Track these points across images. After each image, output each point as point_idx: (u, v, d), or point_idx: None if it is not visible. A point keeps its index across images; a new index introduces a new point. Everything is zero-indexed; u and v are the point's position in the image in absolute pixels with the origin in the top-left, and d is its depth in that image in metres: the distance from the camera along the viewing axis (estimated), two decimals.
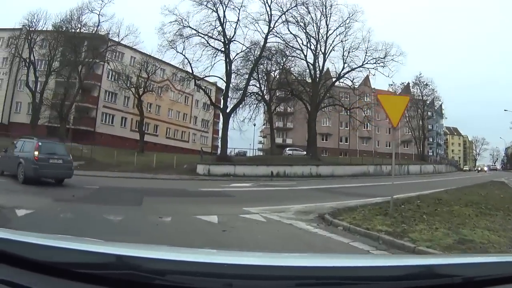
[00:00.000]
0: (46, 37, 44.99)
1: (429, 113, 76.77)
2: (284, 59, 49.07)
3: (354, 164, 48.19)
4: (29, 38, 45.12)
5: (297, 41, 47.45)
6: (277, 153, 55.26)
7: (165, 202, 15.07)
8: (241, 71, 47.33)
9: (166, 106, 66.95)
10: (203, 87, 48.76)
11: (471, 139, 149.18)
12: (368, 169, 47.81)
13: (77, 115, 56.25)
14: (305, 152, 55.78)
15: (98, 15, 43.65)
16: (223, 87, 45.78)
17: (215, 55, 42.60)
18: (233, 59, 44.14)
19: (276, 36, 45.62)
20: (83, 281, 1.69)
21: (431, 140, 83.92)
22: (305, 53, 48.63)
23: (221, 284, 1.66)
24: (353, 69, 48.80)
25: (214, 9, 41.53)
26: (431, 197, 16.30)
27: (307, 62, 49.02)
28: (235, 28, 42.95)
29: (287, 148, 64.50)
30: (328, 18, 47.16)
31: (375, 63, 47.60)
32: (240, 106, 46.65)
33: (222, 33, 42.59)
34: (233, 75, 45.08)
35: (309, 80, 50.78)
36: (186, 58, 42.37)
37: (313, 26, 47.25)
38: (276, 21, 44.47)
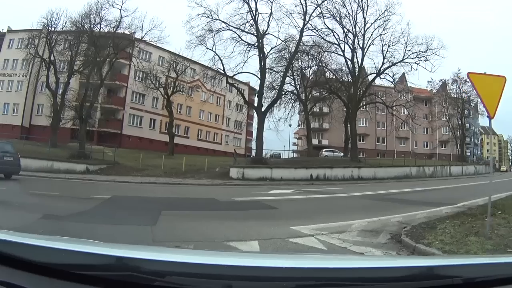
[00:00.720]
0: (67, 37, 43.02)
1: (466, 112, 72.45)
2: (321, 55, 46.63)
3: (396, 166, 45.47)
4: (49, 37, 43.28)
5: (333, 35, 45.01)
6: (313, 154, 52.47)
7: (189, 218, 11.69)
8: (275, 68, 44.95)
9: (197, 107, 64.85)
10: (236, 85, 46.64)
11: (506, 138, 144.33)
12: (410, 170, 44.96)
13: (103, 117, 55.03)
14: (342, 154, 54.14)
15: (120, 9, 41.20)
16: (256, 87, 44.05)
17: (247, 50, 40.30)
18: (267, 53, 41.78)
19: (311, 30, 43.29)
20: (82, 283, 1.71)
21: (469, 140, 79.83)
22: (343, 48, 46.17)
23: (221, 286, 1.68)
24: (393, 64, 45.91)
25: (245, 0, 39.18)
26: None
27: (345, 57, 46.53)
28: (268, 22, 40.63)
29: (324, 150, 61.30)
30: (365, 11, 44.53)
31: (416, 57, 44.56)
32: (276, 105, 44.62)
33: (254, 27, 40.17)
34: (267, 72, 42.48)
35: (346, 78, 48.67)
36: (216, 54, 40.24)
37: (350, 19, 44.67)
38: (311, 15, 41.94)
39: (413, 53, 44.40)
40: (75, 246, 2.11)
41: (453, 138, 73.70)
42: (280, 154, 55.89)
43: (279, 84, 43.91)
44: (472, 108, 72.08)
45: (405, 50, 44.46)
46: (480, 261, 2.38)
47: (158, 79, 50.96)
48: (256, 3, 39.66)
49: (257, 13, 39.86)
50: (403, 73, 48.10)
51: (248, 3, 39.36)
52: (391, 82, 48.40)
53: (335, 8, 43.05)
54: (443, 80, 67.02)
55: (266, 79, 42.16)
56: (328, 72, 49.28)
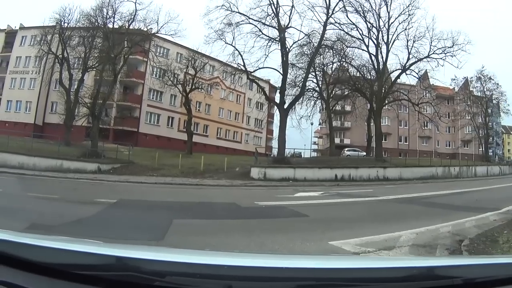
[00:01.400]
0: (80, 32, 41.97)
1: (490, 111, 70.65)
2: (345, 50, 45.69)
3: (422, 166, 43.74)
4: (62, 33, 42.49)
5: (357, 30, 43.91)
6: (335, 154, 51.35)
7: (205, 230, 9.75)
8: (297, 64, 44.09)
9: (217, 105, 63.39)
10: (256, 81, 45.27)
11: None
12: (436, 171, 43.13)
13: (118, 115, 54.25)
14: (364, 153, 53.07)
15: (135, 2, 39.86)
16: (277, 85, 43.72)
17: (268, 45, 39.13)
18: (290, 47, 40.33)
19: (334, 24, 41.91)
20: (82, 283, 1.73)
21: (491, 140, 77.89)
22: (367, 43, 45.01)
23: (220, 286, 1.69)
24: (419, 60, 44.59)
25: None
26: None
27: (369, 52, 45.23)
28: (289, 15, 39.27)
29: (346, 149, 60.05)
30: (389, 5, 43.33)
31: (442, 52, 43.32)
32: (298, 102, 43.37)
33: (275, 20, 38.86)
34: (289, 68, 41.24)
35: (369, 75, 47.65)
36: (236, 49, 39.01)
37: (373, 13, 43.58)
38: (334, 9, 40.53)
39: (438, 48, 43.33)
40: (75, 246, 2.13)
41: (476, 137, 72.68)
42: (301, 153, 55.11)
43: (301, 80, 42.72)
44: (495, 106, 70.41)
45: (430, 45, 43.42)
46: (480, 262, 2.42)
47: (176, 76, 49.79)
48: None
49: (278, 6, 38.57)
50: (425, 71, 47.05)
51: None
52: (417, 78, 47.64)
53: (358, 2, 41.94)
54: (466, 78, 66.08)
55: (287, 76, 40.95)
56: (351, 68, 48.42)
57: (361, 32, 43.96)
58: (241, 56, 39.03)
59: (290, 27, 39.71)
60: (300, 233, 9.40)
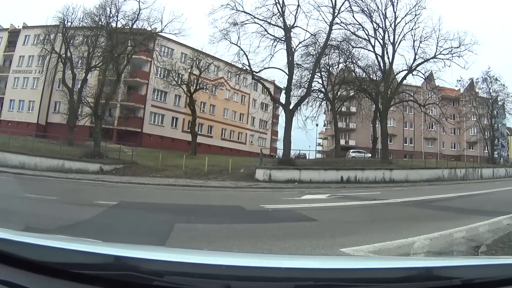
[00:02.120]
0: (84, 32, 41.94)
1: (495, 112, 70.85)
2: (351, 49, 45.72)
3: (428, 168, 43.46)
4: (65, 33, 42.50)
5: (363, 30, 43.71)
6: (340, 155, 51.11)
7: (209, 235, 9.24)
8: (302, 65, 43.95)
9: (221, 105, 63.12)
10: (261, 81, 45.13)
11: None
12: (442, 173, 43.21)
13: (122, 115, 53.88)
14: (370, 155, 53.26)
15: (138, 1, 39.61)
16: (282, 85, 43.66)
17: (274, 45, 38.92)
18: (296, 47, 40.18)
19: (340, 24, 41.74)
20: (81, 282, 1.72)
21: (497, 141, 77.79)
22: (373, 43, 44.75)
23: (219, 285, 1.68)
24: (426, 60, 44.34)
25: None
26: None
27: (375, 53, 45.08)
28: (295, 15, 39.06)
29: (351, 150, 60.38)
30: (395, 5, 43.05)
31: (448, 53, 43.06)
32: (303, 103, 43.41)
33: (281, 19, 38.68)
34: (294, 68, 40.99)
35: (375, 76, 47.75)
36: (241, 49, 38.80)
37: (379, 14, 43.33)
38: (340, 8, 40.35)
39: (445, 49, 43.10)
40: (74, 245, 2.15)
41: (482, 139, 72.77)
42: (306, 155, 55.02)
43: (307, 81, 42.57)
44: (501, 108, 70.62)
45: (437, 46, 43.21)
46: (479, 263, 2.47)
47: (180, 76, 49.58)
48: None
49: (284, 5, 38.33)
50: (431, 71, 46.65)
51: None
52: (424, 79, 47.49)
53: (364, 2, 41.76)
54: (471, 79, 65.99)
55: (293, 76, 40.73)
56: (357, 69, 48.31)
57: (367, 32, 43.81)
58: (246, 56, 38.88)
59: (296, 26, 39.47)
60: (309, 239, 8.94)
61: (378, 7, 42.55)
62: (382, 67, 44.70)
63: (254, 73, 40.13)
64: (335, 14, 39.74)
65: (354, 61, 46.72)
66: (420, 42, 43.40)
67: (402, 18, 43.17)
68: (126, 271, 1.72)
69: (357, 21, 42.41)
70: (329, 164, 39.17)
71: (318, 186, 29.32)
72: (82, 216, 10.46)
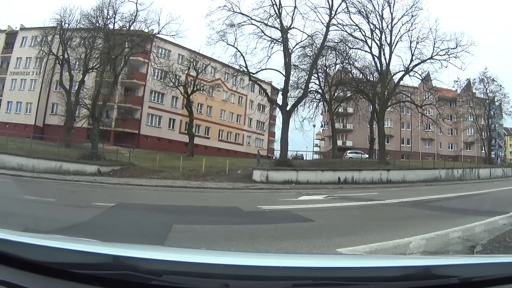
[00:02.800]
0: (81, 34, 42.04)
1: (492, 112, 70.82)
2: (348, 50, 45.48)
3: (426, 169, 43.67)
4: (62, 34, 42.68)
5: (360, 31, 43.86)
6: (338, 156, 50.95)
7: (207, 236, 9.33)
8: (299, 67, 44.09)
9: (218, 106, 63.58)
10: (258, 82, 45.13)
11: None
12: (439, 173, 43.25)
13: (119, 117, 54.01)
14: (367, 155, 53.00)
15: (136, 3, 39.56)
16: (279, 86, 43.41)
17: (271, 46, 39.04)
18: (293, 48, 40.26)
19: (336, 25, 41.82)
20: (80, 281, 1.73)
21: (493, 142, 78.01)
22: (370, 45, 44.83)
23: (217, 285, 1.70)
24: (423, 61, 44.63)
25: None
26: None
27: (372, 54, 45.16)
28: (292, 16, 39.20)
29: (348, 151, 60.02)
30: (392, 7, 43.13)
31: (445, 54, 43.26)
32: (300, 104, 43.49)
33: (278, 21, 38.77)
34: (291, 69, 41.08)
35: (372, 77, 47.96)
36: (238, 50, 38.95)
37: (376, 15, 43.33)
38: (336, 10, 40.45)
39: (442, 50, 43.31)
40: (72, 245, 2.14)
41: (479, 139, 72.69)
42: (303, 156, 54.49)
43: (304, 82, 42.66)
44: (497, 108, 70.80)
45: (434, 47, 43.47)
46: (477, 261, 2.47)
47: (177, 77, 49.42)
48: None
49: (280, 7, 38.42)
50: (428, 72, 46.97)
51: None
52: (421, 80, 47.69)
53: (361, 3, 41.87)
54: (468, 80, 65.90)
55: (289, 77, 40.80)
56: (354, 70, 48.46)
57: (364, 33, 43.91)
58: (243, 57, 38.89)
59: (293, 28, 39.44)
60: (306, 239, 8.99)
61: (375, 8, 42.64)
62: (379, 68, 44.78)
63: (251, 74, 40.17)
64: (332, 15, 39.87)
65: (351, 62, 46.78)
66: (417, 43, 43.58)
67: (399, 19, 43.27)
68: (124, 271, 1.72)
69: (354, 22, 42.58)
70: (326, 165, 39.15)
71: (315, 187, 29.30)
72: (81, 218, 10.48)
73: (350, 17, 41.98)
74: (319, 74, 48.86)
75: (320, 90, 50.72)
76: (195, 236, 9.00)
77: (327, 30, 40.18)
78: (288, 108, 39.16)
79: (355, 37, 43.81)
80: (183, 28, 63.42)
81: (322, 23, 40.38)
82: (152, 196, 19.63)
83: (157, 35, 42.67)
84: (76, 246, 2.11)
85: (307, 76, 42.23)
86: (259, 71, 40.00)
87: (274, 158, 47.96)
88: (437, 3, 71.61)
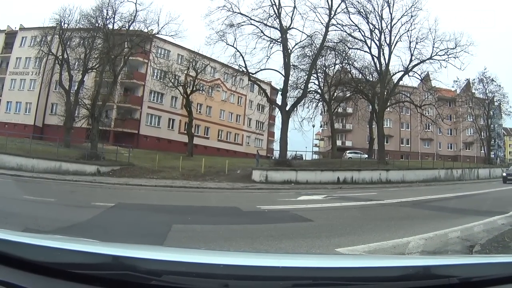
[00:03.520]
0: (80, 34, 41.96)
1: (491, 113, 71.13)
2: (347, 51, 45.69)
3: (425, 169, 43.79)
4: (62, 34, 42.63)
5: (359, 31, 43.84)
6: (337, 156, 51.25)
7: (205, 235, 9.29)
8: (299, 67, 44.22)
9: (218, 106, 63.52)
10: (258, 83, 45.11)
11: None
12: (439, 173, 43.35)
13: (119, 117, 54.09)
14: (366, 155, 53.32)
15: (135, 3, 39.58)
16: (278, 87, 43.44)
17: (270, 46, 39.13)
18: (292, 49, 40.34)
19: (336, 25, 41.95)
20: (79, 282, 1.73)
21: (493, 142, 78.03)
22: (369, 45, 44.85)
23: (217, 285, 1.70)
24: (422, 61, 44.63)
25: None
26: None
27: (371, 54, 45.17)
28: (291, 16, 39.37)
29: (347, 151, 60.40)
30: (391, 7, 43.17)
31: (444, 54, 43.23)
32: (299, 104, 43.53)
33: (277, 21, 38.83)
34: (291, 69, 41.13)
35: (371, 77, 48.01)
36: (238, 50, 39.07)
37: (375, 15, 43.37)
38: (336, 10, 40.57)
39: (441, 50, 43.29)
40: (72, 245, 2.14)
41: (478, 139, 72.90)
42: (302, 156, 54.48)
43: (303, 82, 42.71)
44: (497, 108, 70.90)
45: (433, 47, 43.44)
46: (476, 261, 2.47)
47: (176, 77, 49.49)
48: None
49: (280, 7, 38.52)
50: (427, 73, 47.07)
51: None
52: (420, 80, 47.62)
53: (360, 3, 41.93)
54: (468, 80, 66.01)
55: (289, 77, 40.82)
56: (353, 70, 48.45)
57: (363, 33, 43.90)
58: (243, 57, 39.00)
59: (292, 28, 39.54)
60: (305, 239, 8.97)
61: (374, 9, 42.63)
62: (378, 68, 44.78)
63: (250, 74, 40.25)
64: (331, 15, 39.92)
65: (350, 62, 46.80)
66: (416, 43, 43.55)
67: (398, 19, 43.27)
68: (124, 271, 1.71)
69: (353, 23, 42.57)
70: (326, 165, 39.15)
71: (315, 187, 29.15)
72: (80, 218, 10.45)
73: (349, 17, 42.04)
74: (318, 74, 48.87)
75: (319, 90, 50.79)
76: (195, 236, 8.99)
77: (327, 30, 40.28)
78: (287, 108, 39.18)
79: (354, 37, 43.87)
80: (183, 28, 63.56)
81: (322, 23, 40.48)
82: (152, 196, 19.59)
83: (156, 35, 42.64)
84: (75, 246, 2.11)
85: (306, 76, 42.32)
86: (259, 71, 40.13)
87: (273, 158, 47.98)
88: (436, 3, 71.45)
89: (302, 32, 40.68)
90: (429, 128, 63.60)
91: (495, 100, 68.06)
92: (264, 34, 38.77)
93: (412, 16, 42.43)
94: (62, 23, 42.20)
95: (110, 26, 40.03)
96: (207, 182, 28.94)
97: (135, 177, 28.55)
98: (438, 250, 8.27)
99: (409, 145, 76.72)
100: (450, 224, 11.15)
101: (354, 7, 41.45)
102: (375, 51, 44.60)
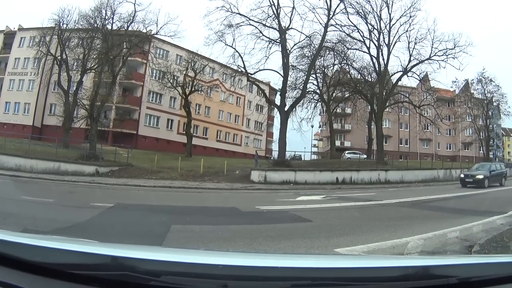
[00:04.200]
0: (79, 34, 41.88)
1: (490, 113, 70.96)
2: (346, 51, 45.66)
3: (424, 169, 43.56)
4: (61, 35, 42.57)
5: (358, 32, 43.71)
6: (336, 156, 51.17)
7: (204, 236, 9.31)
8: (297, 67, 44.15)
9: (216, 107, 63.88)
10: (256, 83, 44.88)
11: None
12: (437, 174, 43.18)
13: (118, 117, 54.16)
14: (365, 156, 53.20)
15: (134, 4, 39.57)
16: (277, 87, 43.43)
17: (269, 47, 39.00)
18: (291, 49, 40.20)
19: (335, 26, 41.83)
20: (78, 282, 1.73)
21: (491, 142, 78.10)
22: (368, 45, 44.70)
23: (216, 285, 1.70)
24: (421, 62, 44.49)
25: None
26: None
27: (370, 54, 44.99)
28: (290, 17, 39.13)
29: (346, 151, 60.45)
30: (390, 7, 43.08)
31: (443, 54, 43.10)
32: (298, 104, 43.38)
33: (276, 21, 38.68)
34: (289, 70, 40.99)
35: (370, 77, 48.01)
36: (236, 51, 38.86)
37: (374, 15, 43.28)
38: (335, 10, 40.42)
39: (440, 50, 43.12)
40: (70, 245, 2.13)
41: (477, 140, 73.09)
42: (301, 156, 54.28)
43: (302, 83, 42.70)
44: (495, 108, 70.75)
45: (432, 47, 43.23)
46: (475, 261, 2.45)
47: (175, 78, 49.69)
48: None
49: (279, 7, 38.36)
50: (426, 73, 47.04)
51: None
52: (419, 80, 47.50)
53: (359, 3, 41.81)
54: (466, 80, 65.93)
55: (288, 78, 40.67)
56: (352, 70, 48.32)
57: (362, 34, 43.72)
58: (241, 58, 38.81)
59: (291, 28, 39.44)
60: (304, 239, 9.03)
61: (373, 9, 42.51)
62: (377, 69, 44.64)
63: (249, 75, 40.14)
64: (330, 16, 39.77)
65: (349, 62, 46.69)
66: (415, 43, 43.40)
67: (397, 20, 43.16)
68: (123, 271, 1.71)
69: (352, 23, 42.43)
70: (324, 166, 39.08)
71: (314, 187, 29.08)
72: (79, 218, 10.43)
73: (348, 18, 41.95)
74: (317, 74, 48.86)
75: (318, 91, 50.83)
76: (194, 237, 9.02)
77: (325, 31, 40.13)
78: (286, 109, 39.06)
79: (353, 38, 43.75)
80: (181, 29, 63.68)
81: (320, 23, 40.31)
82: (150, 196, 19.56)
83: (155, 35, 42.54)
84: (74, 246, 2.11)
85: (305, 77, 42.17)
86: (257, 71, 39.98)
87: (272, 158, 47.79)
88: (436, 3, 71.77)
89: (301, 32, 40.55)
90: (428, 129, 63.65)
91: (493, 101, 67.75)
92: (263, 35, 38.75)
93: (411, 16, 42.35)
94: (61, 24, 42.18)
95: (109, 27, 39.99)
96: (206, 182, 28.85)
97: (133, 178, 28.45)
98: (437, 250, 8.26)
99: (408, 146, 76.83)
100: (449, 224, 11.18)
101: (353, 8, 41.40)
102: (374, 51, 44.56)
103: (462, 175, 32.20)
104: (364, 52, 45.36)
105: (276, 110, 43.75)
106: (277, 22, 38.42)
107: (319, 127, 75.12)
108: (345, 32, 42.81)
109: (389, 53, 44.08)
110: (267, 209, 15.03)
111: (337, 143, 67.95)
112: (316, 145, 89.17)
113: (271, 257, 3.02)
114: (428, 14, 68.53)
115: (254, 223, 11.71)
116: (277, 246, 8.09)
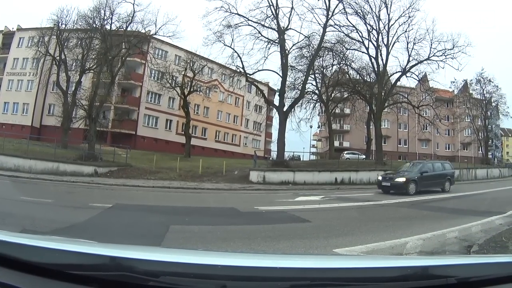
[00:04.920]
0: (78, 34, 41.80)
1: (489, 113, 71.01)
2: (345, 51, 45.40)
3: None
4: (59, 35, 42.43)
5: (357, 32, 43.57)
6: (335, 156, 50.97)
7: (202, 236, 9.35)
8: (296, 68, 43.94)
9: (215, 107, 63.94)
10: (255, 83, 44.70)
11: None
12: None
13: (116, 117, 54.06)
14: (364, 156, 53.08)
15: (133, 4, 39.48)
16: (276, 87, 43.52)
17: (268, 47, 38.93)
18: (289, 49, 40.16)
19: (334, 26, 41.74)
20: (77, 283, 1.73)
21: (490, 142, 78.17)
22: (367, 45, 44.51)
23: (215, 285, 1.70)
24: (420, 62, 44.29)
25: None
26: None
27: (369, 55, 44.76)
28: (289, 17, 39.04)
29: (345, 152, 60.42)
30: (389, 7, 42.80)
31: (442, 55, 42.95)
32: (297, 105, 43.33)
33: (275, 22, 38.61)
34: (288, 70, 40.82)
35: (368, 77, 47.69)
36: (235, 51, 38.73)
37: (373, 16, 43.16)
38: (333, 11, 40.38)
39: (438, 50, 42.96)
40: (69, 246, 2.12)
41: (476, 140, 72.94)
42: (300, 157, 54.25)
43: (301, 83, 42.58)
44: (494, 109, 70.63)
45: (431, 47, 43.07)
46: (474, 261, 2.46)
47: (174, 78, 49.53)
48: None
49: (277, 7, 38.27)
50: (425, 73, 46.76)
51: None
52: (417, 80, 47.48)
53: (358, 4, 41.66)
54: (465, 80, 65.88)
55: (286, 78, 40.58)
56: (351, 70, 48.24)
57: (361, 34, 43.61)
58: (240, 58, 38.72)
59: (290, 29, 39.38)
60: (303, 240, 9.08)
61: (372, 9, 42.39)
62: (376, 69, 44.56)
63: (248, 75, 40.04)
64: (329, 16, 39.71)
65: (348, 63, 46.49)
66: (414, 44, 43.32)
67: (395, 20, 43.03)
68: (121, 272, 1.71)
69: (351, 23, 42.33)
70: (323, 166, 39.00)
71: (312, 188, 29.08)
72: (78, 219, 10.46)
73: (347, 18, 41.85)
74: (316, 75, 48.78)
75: (317, 91, 50.74)
76: (192, 237, 9.04)
77: (324, 31, 40.09)
78: (285, 109, 39.05)
79: (352, 38, 43.67)
80: (180, 29, 63.12)
81: (319, 24, 40.31)
82: (149, 197, 19.56)
83: (154, 36, 42.46)
84: (73, 247, 2.09)
85: (304, 77, 42.10)
86: (256, 72, 39.93)
87: (271, 159, 47.55)
88: (435, 4, 71.86)
89: (300, 33, 40.63)
90: (426, 129, 63.67)
91: (492, 101, 67.70)
92: (262, 35, 38.69)
93: (409, 17, 42.25)
94: (60, 24, 42.09)
95: (108, 27, 39.93)
96: (205, 183, 28.84)
97: (132, 178, 28.44)
98: (436, 250, 8.32)
99: (407, 146, 76.72)
100: (448, 224, 11.27)
101: (352, 8, 41.30)
102: (372, 51, 44.47)
103: (379, 177, 26.48)
104: (363, 52, 45.26)
105: (275, 110, 43.74)
106: (276, 23, 38.39)
107: (318, 127, 75.10)
108: (344, 33, 42.75)
109: (388, 53, 44.08)
110: (266, 210, 15.09)
111: (336, 143, 67.68)
112: (315, 146, 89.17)
113: (270, 258, 2.99)
114: (427, 15, 68.87)
115: (252, 224, 11.72)
116: (276, 246, 8.14)
